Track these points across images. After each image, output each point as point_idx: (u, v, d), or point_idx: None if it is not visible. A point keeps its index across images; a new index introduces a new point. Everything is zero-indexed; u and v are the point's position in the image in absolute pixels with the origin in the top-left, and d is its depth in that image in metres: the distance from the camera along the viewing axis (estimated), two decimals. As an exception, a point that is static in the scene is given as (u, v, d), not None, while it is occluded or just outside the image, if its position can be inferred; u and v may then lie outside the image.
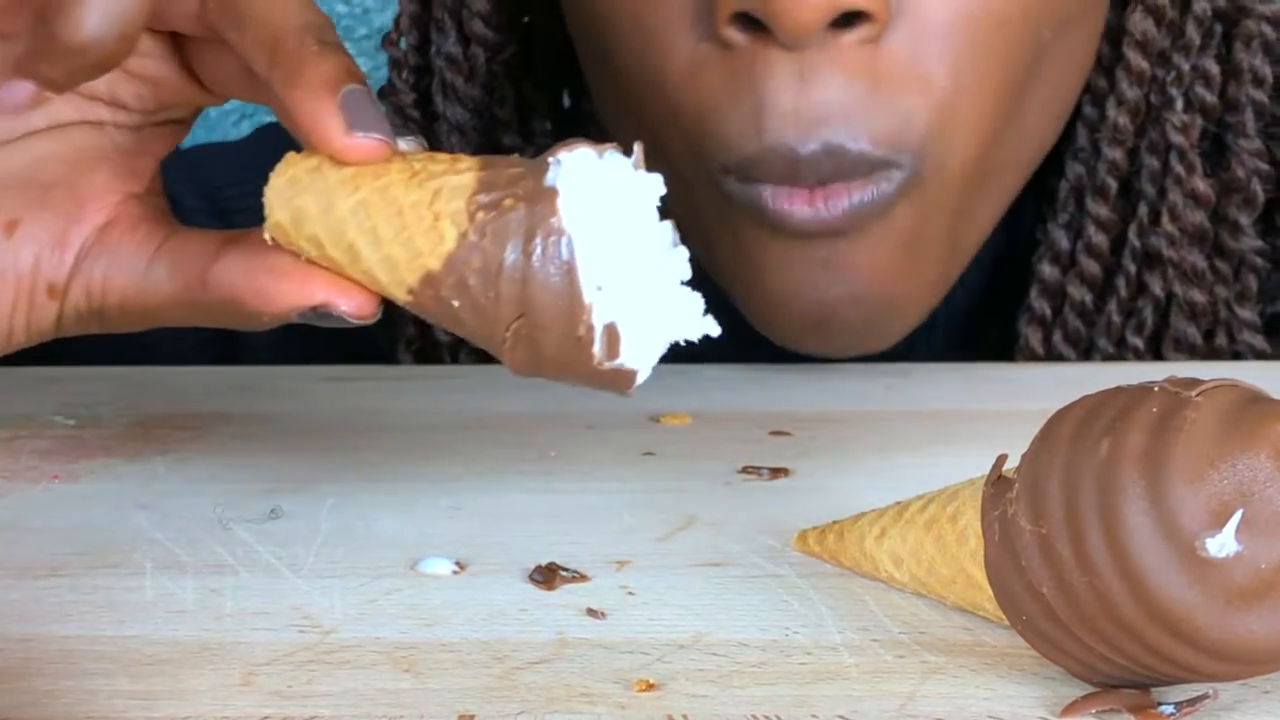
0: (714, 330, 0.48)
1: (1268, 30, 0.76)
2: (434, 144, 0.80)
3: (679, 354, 0.50)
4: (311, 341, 0.82)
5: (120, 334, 0.54)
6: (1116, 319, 0.77)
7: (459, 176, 0.47)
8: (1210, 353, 0.77)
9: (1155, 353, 0.77)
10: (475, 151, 0.79)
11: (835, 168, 0.63)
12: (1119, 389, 0.43)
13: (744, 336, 0.77)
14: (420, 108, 0.81)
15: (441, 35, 0.79)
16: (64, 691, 0.44)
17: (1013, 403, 0.68)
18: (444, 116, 0.80)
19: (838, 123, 0.63)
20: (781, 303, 0.68)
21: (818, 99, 0.62)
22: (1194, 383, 0.42)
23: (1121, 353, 0.77)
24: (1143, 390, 0.43)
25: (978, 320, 0.80)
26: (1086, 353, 0.78)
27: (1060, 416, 0.43)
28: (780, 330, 0.70)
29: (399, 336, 0.81)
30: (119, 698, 0.44)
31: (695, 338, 0.48)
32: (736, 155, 0.64)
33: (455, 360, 0.80)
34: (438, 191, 0.47)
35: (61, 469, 0.61)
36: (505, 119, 0.81)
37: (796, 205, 0.64)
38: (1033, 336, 0.78)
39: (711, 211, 0.68)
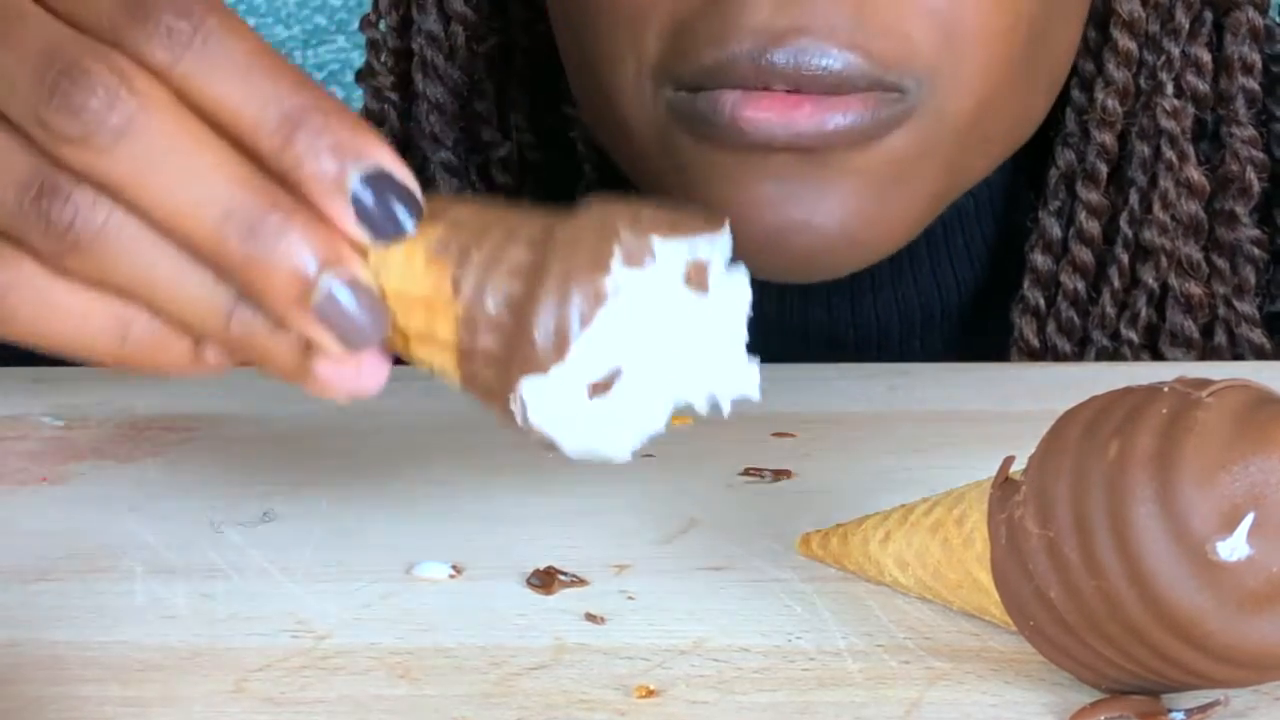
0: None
1: (1255, 17, 0.76)
2: (412, 122, 0.80)
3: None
4: None
5: None
6: (1110, 310, 0.77)
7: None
8: (1208, 350, 0.77)
9: (1152, 346, 0.77)
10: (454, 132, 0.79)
11: (815, 77, 0.61)
12: (1128, 390, 0.43)
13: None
14: (399, 90, 0.81)
15: (422, 14, 0.80)
16: (53, 698, 0.44)
17: (1019, 404, 0.67)
18: (424, 95, 0.80)
19: (819, 34, 0.61)
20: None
21: (797, 13, 0.61)
22: (1204, 383, 0.42)
23: (1116, 345, 0.77)
24: (1152, 391, 0.42)
25: (977, 313, 0.80)
26: (1081, 344, 0.77)
27: (1068, 418, 0.43)
28: None
29: None
30: (109, 705, 0.44)
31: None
32: (695, 66, 0.62)
33: None
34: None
35: (50, 471, 0.60)
36: (484, 113, 0.81)
37: (763, 114, 0.61)
38: (1026, 327, 0.77)
39: (649, 133, 0.65)
